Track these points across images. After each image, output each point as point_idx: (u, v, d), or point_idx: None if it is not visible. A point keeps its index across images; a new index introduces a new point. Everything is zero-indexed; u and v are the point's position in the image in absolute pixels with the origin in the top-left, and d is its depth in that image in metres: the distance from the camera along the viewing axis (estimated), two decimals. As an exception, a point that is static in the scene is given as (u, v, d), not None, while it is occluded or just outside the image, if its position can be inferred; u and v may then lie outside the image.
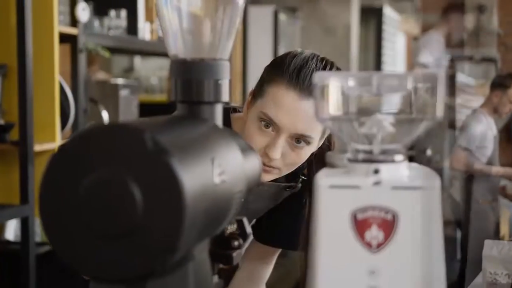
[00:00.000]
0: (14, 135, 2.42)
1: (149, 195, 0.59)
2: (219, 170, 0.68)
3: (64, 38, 2.64)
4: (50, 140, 2.53)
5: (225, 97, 0.80)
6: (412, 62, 4.17)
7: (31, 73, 2.39)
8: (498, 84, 4.25)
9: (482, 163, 4.15)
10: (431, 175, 0.68)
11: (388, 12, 7.96)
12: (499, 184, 4.32)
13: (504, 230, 4.36)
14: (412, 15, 9.63)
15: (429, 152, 4.89)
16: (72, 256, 0.62)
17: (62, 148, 0.62)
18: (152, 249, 0.59)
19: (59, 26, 2.55)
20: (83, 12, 2.64)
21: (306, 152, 1.28)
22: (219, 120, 0.80)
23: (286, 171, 1.30)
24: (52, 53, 2.50)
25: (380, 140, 0.69)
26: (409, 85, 0.66)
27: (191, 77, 0.79)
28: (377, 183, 0.66)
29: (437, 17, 10.17)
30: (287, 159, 1.27)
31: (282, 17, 5.37)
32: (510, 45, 9.96)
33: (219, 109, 0.81)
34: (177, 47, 0.81)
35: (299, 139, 1.26)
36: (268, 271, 1.57)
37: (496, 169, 4.19)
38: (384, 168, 0.67)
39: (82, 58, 2.69)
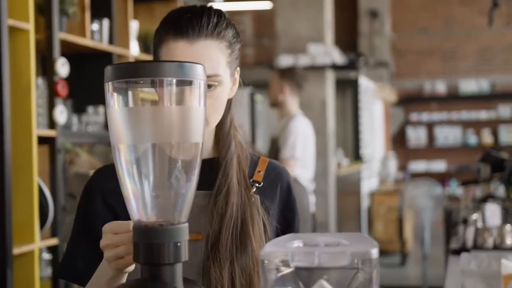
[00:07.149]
0: (-8, 238, 2.45)
1: None
2: None
3: (43, 139, 2.72)
4: (29, 241, 2.56)
5: (184, 256, 0.87)
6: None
7: (10, 176, 2.45)
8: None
9: None
10: None
11: (364, 82, 8.14)
12: None
13: None
14: (387, 82, 9.83)
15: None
16: None
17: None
18: None
19: (38, 130, 2.63)
20: (61, 114, 2.72)
21: (220, 93, 1.23)
22: (179, 279, 0.87)
23: (213, 121, 1.25)
24: (31, 156, 2.56)
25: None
26: (346, 260, 0.73)
27: (152, 241, 0.86)
28: None
29: (413, 82, 10.37)
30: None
31: (258, 98, 5.50)
32: (402, 50, 10.10)
33: (179, 269, 0.87)
34: (139, 213, 0.89)
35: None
36: None
37: None
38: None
39: (60, 158, 2.76)
